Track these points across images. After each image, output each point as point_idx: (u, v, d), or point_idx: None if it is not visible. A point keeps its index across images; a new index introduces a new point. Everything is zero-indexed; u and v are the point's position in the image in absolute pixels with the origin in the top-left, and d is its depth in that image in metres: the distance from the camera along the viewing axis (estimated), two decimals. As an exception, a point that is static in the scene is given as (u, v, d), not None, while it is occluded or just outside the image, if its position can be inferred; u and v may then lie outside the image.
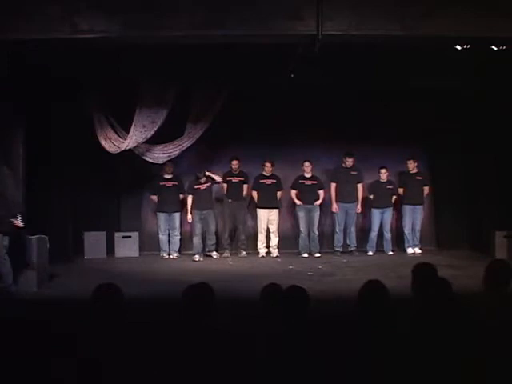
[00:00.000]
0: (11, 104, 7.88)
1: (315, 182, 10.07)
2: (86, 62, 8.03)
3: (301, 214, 10.02)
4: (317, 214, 10.05)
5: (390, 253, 10.16)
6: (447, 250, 10.12)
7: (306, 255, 9.88)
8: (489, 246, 9.39)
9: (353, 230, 10.19)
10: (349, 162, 10.10)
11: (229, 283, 7.12)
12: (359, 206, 10.19)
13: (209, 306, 3.30)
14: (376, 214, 10.22)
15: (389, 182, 10.27)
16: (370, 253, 10.17)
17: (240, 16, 6.55)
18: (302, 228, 9.99)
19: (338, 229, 10.15)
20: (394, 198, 10.29)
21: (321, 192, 10.05)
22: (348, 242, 10.19)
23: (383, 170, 10.17)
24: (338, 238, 10.17)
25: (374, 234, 10.23)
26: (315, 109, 9.84)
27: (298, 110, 9.89)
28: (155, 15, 6.53)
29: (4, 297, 6.71)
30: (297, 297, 3.39)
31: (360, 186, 10.20)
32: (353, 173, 10.16)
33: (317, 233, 10.04)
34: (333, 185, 10.13)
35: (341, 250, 10.13)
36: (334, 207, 10.12)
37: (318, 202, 10.06)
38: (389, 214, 10.23)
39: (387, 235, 10.21)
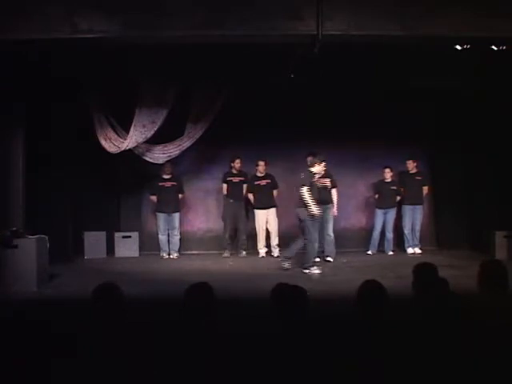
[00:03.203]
0: (11, 104, 7.88)
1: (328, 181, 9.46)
2: (86, 62, 8.03)
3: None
4: (331, 215, 9.47)
5: (390, 253, 10.15)
6: (447, 250, 10.13)
7: (317, 259, 9.12)
8: (489, 246, 9.38)
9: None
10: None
11: (229, 283, 7.12)
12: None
13: (209, 306, 3.30)
14: (379, 214, 10.22)
15: (393, 182, 10.26)
16: (370, 252, 10.15)
17: (240, 16, 6.55)
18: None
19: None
20: (398, 198, 10.27)
21: (333, 191, 9.57)
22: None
23: (387, 170, 10.12)
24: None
25: (376, 234, 10.23)
26: (315, 109, 9.84)
27: (298, 110, 9.89)
28: (155, 15, 6.53)
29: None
30: (296, 297, 3.39)
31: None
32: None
33: (332, 235, 9.41)
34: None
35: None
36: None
37: (335, 203, 9.58)
38: (392, 214, 10.22)
39: (389, 235, 10.21)
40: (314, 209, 8.16)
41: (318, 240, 9.18)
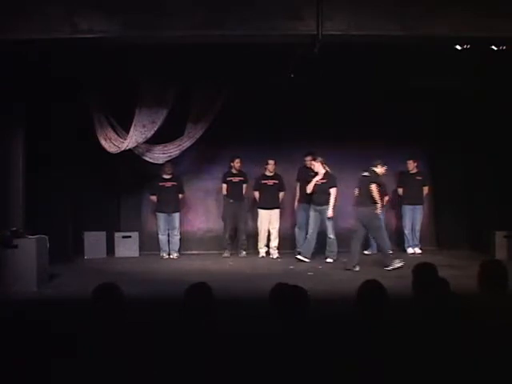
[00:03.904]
0: (11, 104, 7.88)
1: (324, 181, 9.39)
2: (86, 62, 8.03)
3: (311, 214, 9.41)
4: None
5: (367, 252, 10.12)
6: (447, 250, 10.13)
7: (307, 260, 9.24)
8: (489, 246, 9.38)
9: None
10: (307, 161, 9.83)
11: (229, 283, 7.12)
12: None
13: (208, 306, 3.30)
14: None
15: None
16: (366, 252, 10.15)
17: (240, 16, 6.55)
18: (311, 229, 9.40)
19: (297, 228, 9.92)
20: (386, 198, 10.30)
21: (332, 190, 9.31)
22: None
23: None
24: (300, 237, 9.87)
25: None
26: (315, 109, 9.84)
27: (298, 110, 9.89)
28: (155, 15, 6.53)
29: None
30: (297, 297, 3.39)
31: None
32: (312, 173, 9.68)
33: (332, 237, 9.27)
34: (297, 184, 9.95)
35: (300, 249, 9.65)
36: (296, 206, 9.96)
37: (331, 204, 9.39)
38: None
39: None
40: (379, 206, 8.49)
41: (316, 241, 9.43)
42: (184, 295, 3.32)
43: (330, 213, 9.24)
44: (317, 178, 9.30)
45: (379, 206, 8.48)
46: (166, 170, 10.04)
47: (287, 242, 10.31)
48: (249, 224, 10.54)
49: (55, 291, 7.16)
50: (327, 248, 9.41)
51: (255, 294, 6.01)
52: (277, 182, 10.10)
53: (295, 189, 10.11)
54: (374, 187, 8.41)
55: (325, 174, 9.32)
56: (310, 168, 9.67)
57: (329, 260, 9.35)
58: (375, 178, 8.53)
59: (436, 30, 6.60)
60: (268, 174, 10.10)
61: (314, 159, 9.42)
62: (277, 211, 10.08)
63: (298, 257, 9.31)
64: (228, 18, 6.55)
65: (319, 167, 9.31)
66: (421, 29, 6.58)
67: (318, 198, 9.31)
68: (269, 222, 10.03)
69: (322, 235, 9.60)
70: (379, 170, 8.62)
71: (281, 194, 10.14)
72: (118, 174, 10.48)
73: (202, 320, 3.23)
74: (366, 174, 8.63)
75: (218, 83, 9.32)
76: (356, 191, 8.86)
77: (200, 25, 6.56)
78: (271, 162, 10.02)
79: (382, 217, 9.56)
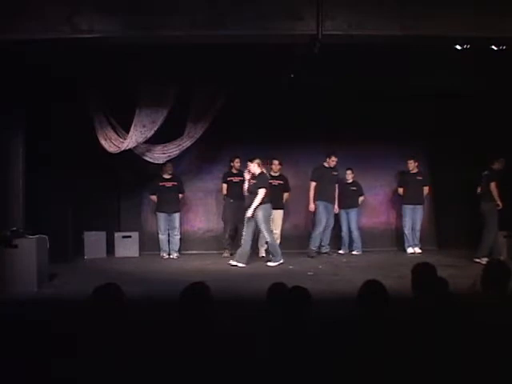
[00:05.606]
0: (11, 104, 7.88)
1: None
2: (86, 62, 8.03)
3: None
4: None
5: (355, 252, 10.20)
6: (447, 250, 10.12)
7: (280, 261, 9.12)
8: (489, 246, 9.37)
9: (330, 230, 10.18)
10: (333, 161, 9.98)
11: (229, 283, 7.12)
12: (336, 206, 10.21)
13: (206, 305, 3.30)
14: (342, 213, 10.38)
15: (354, 183, 10.38)
16: (341, 251, 10.31)
17: (240, 16, 6.55)
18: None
19: (318, 230, 9.90)
20: (362, 199, 10.38)
21: (260, 191, 8.99)
22: (323, 242, 10.10)
23: (348, 172, 10.35)
24: (318, 238, 9.95)
25: (342, 234, 10.40)
26: (315, 109, 9.84)
27: (298, 110, 9.89)
28: (155, 15, 6.53)
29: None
30: (299, 297, 3.39)
31: (336, 187, 10.21)
32: (334, 173, 10.11)
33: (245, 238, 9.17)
34: (313, 184, 9.97)
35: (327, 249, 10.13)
36: (311, 207, 9.97)
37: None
38: (354, 214, 10.31)
39: (354, 234, 10.30)
40: (498, 203, 8.82)
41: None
42: (182, 295, 3.32)
43: (248, 213, 8.92)
44: (248, 178, 9.16)
45: (498, 202, 8.83)
46: (167, 169, 10.04)
47: (287, 242, 10.30)
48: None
49: (55, 291, 7.15)
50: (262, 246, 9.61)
51: (255, 294, 6.01)
52: (282, 182, 10.10)
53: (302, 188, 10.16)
54: (493, 186, 8.85)
55: (258, 174, 9.06)
56: (332, 168, 10.00)
57: (270, 264, 9.08)
58: (493, 175, 8.93)
59: (436, 30, 6.60)
60: (273, 174, 10.06)
61: (251, 160, 9.14)
62: (280, 212, 10.07)
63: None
64: (228, 17, 6.55)
65: (254, 168, 9.06)
66: (421, 29, 6.58)
67: (249, 198, 9.11)
68: (271, 222, 9.98)
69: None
70: (496, 166, 9.03)
71: (285, 195, 10.14)
72: (118, 174, 10.48)
73: (200, 319, 3.23)
74: (486, 172, 9.07)
75: (218, 83, 9.32)
76: (479, 188, 9.24)
77: (200, 25, 6.55)
78: (275, 162, 10.02)
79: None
